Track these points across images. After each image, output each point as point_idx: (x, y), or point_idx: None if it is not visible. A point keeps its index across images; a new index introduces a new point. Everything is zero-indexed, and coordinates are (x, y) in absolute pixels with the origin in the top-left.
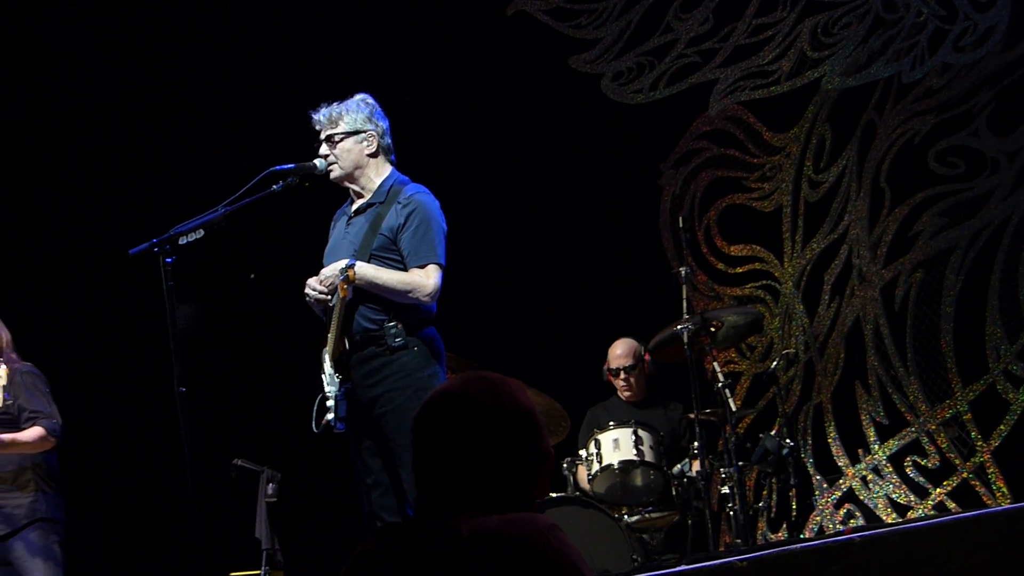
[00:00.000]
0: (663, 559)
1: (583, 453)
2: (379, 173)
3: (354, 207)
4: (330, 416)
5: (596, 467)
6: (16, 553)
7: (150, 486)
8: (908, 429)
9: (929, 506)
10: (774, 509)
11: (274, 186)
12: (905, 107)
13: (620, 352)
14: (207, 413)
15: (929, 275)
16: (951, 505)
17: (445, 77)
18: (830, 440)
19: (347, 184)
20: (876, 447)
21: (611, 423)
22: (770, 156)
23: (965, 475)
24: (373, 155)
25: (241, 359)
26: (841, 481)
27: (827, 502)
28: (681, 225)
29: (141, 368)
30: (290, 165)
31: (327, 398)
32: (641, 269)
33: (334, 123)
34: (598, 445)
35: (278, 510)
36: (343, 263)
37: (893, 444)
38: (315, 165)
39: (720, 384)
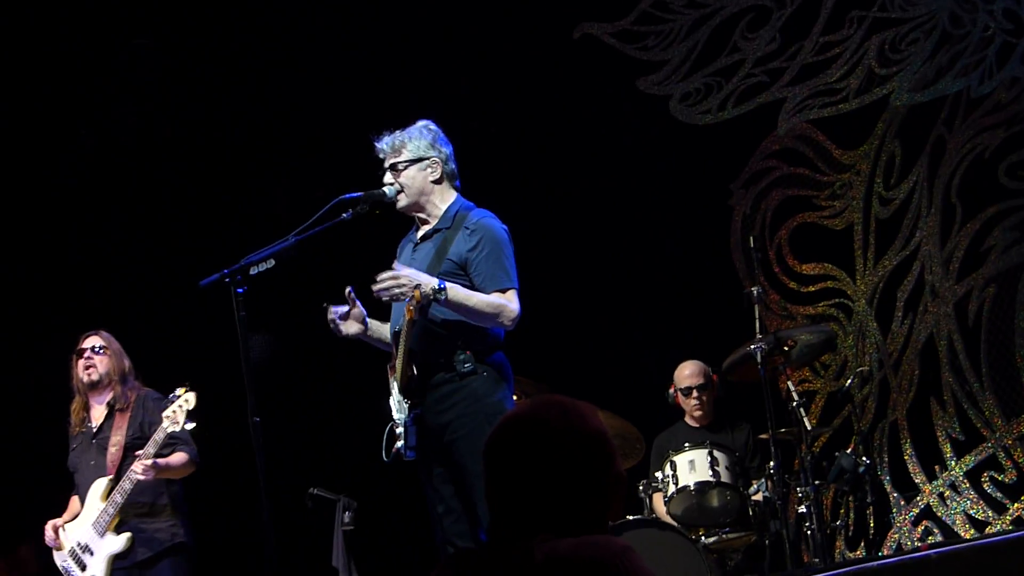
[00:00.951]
0: None
1: (659, 475)
2: (444, 199)
3: (420, 233)
4: (400, 444)
5: (672, 489)
6: None
7: (226, 517)
8: (984, 444)
9: (1007, 521)
10: (851, 527)
11: (344, 214)
12: (974, 122)
13: (690, 372)
14: (282, 443)
15: (1002, 289)
16: None
17: (513, 102)
18: (906, 457)
19: (413, 213)
20: (953, 463)
21: (686, 444)
22: (840, 174)
23: None
24: (437, 182)
25: (315, 388)
26: (918, 498)
27: (905, 519)
28: (752, 245)
29: (215, 399)
30: (359, 193)
31: (396, 426)
32: (713, 290)
33: (397, 151)
34: (674, 467)
35: (354, 539)
36: (434, 281)
37: (970, 460)
38: (384, 193)
39: (795, 403)
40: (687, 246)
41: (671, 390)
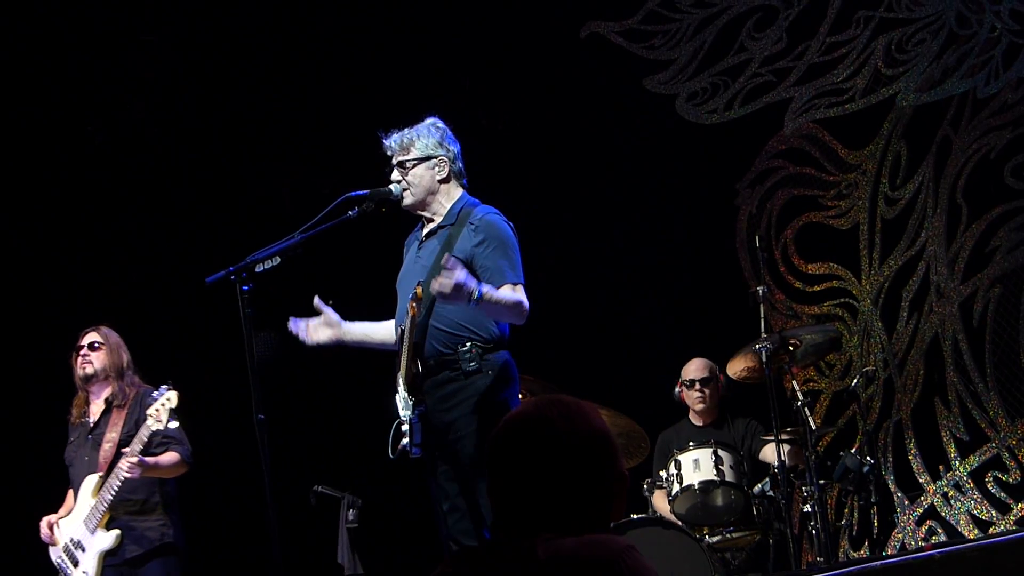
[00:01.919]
0: None
1: (663, 475)
2: (450, 197)
3: (425, 231)
4: (405, 441)
5: (676, 488)
6: None
7: (230, 514)
8: (988, 444)
9: (1011, 521)
10: (856, 527)
11: (350, 212)
12: (980, 122)
13: (695, 366)
14: (286, 440)
15: (1007, 290)
16: None
17: (520, 100)
18: (911, 457)
19: (419, 211)
20: (957, 463)
21: (691, 443)
22: (846, 174)
23: None
24: (444, 180)
25: (320, 385)
26: (922, 498)
27: (909, 519)
28: (758, 244)
29: (219, 396)
30: (365, 191)
31: (403, 423)
32: (718, 289)
33: (405, 149)
34: (678, 466)
35: (359, 536)
36: (473, 284)
37: (974, 460)
38: (390, 191)
39: (800, 402)
40: (693, 245)
41: (677, 387)
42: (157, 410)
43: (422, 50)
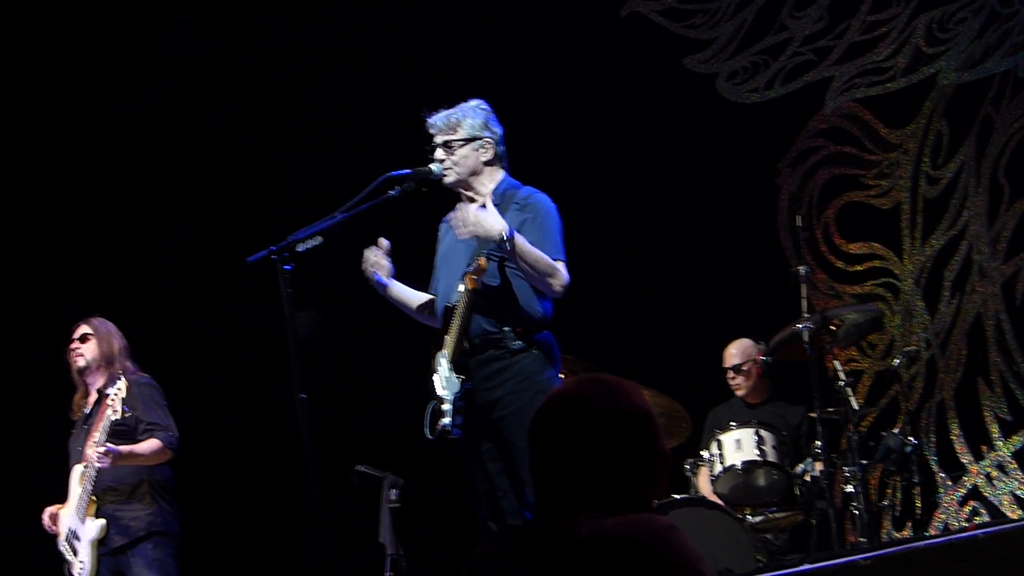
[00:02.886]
0: (787, 559)
1: (705, 454)
2: (493, 179)
3: None
4: (446, 420)
5: (719, 468)
6: (132, 566)
7: (272, 494)
8: None
9: None
10: (898, 507)
11: (391, 191)
12: (1022, 101)
13: (731, 352)
14: (328, 420)
15: None
16: None
17: (560, 80)
18: (953, 437)
19: (460, 190)
20: (1000, 443)
21: (733, 423)
22: (887, 153)
23: None
24: (489, 163)
25: (361, 365)
26: (965, 478)
27: (951, 499)
28: (799, 224)
29: (261, 376)
30: (407, 171)
31: (443, 401)
32: (760, 269)
33: (452, 129)
34: (720, 446)
35: (401, 516)
36: (502, 226)
37: (1017, 440)
38: (431, 170)
39: (842, 383)
40: (734, 225)
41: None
42: (112, 400)
43: (462, 29)
